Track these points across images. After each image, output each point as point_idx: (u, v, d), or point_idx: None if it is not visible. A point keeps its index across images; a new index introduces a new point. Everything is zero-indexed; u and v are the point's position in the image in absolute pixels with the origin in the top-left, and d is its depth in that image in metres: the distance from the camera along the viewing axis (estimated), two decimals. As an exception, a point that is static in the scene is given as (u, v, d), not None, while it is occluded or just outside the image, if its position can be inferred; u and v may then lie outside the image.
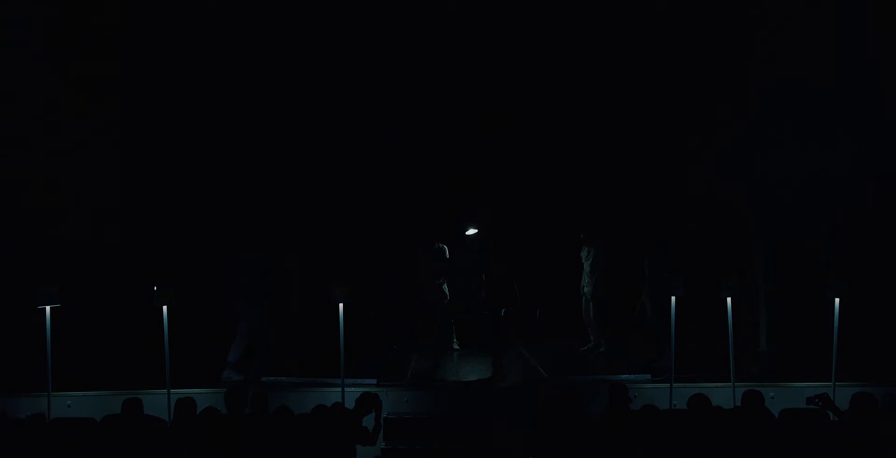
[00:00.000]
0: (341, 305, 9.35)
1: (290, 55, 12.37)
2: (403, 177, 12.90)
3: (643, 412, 7.78)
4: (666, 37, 12.11)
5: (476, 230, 12.20)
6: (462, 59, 12.53)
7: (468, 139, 12.78)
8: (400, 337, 12.25)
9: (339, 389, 9.28)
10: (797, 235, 11.40)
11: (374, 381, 9.83)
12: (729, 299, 9.45)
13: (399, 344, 12.17)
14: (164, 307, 9.27)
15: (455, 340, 12.28)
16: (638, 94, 12.42)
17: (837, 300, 9.21)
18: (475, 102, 12.64)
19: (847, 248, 11.24)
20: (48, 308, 8.96)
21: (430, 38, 12.49)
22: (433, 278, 11.63)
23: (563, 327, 12.32)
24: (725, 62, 11.78)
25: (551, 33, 12.46)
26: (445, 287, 11.76)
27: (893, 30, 10.90)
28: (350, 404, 8.15)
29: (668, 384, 9.43)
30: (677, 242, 11.62)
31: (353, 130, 12.73)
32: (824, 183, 11.34)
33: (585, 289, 11.74)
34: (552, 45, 12.51)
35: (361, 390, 8.85)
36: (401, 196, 12.90)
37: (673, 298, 9.42)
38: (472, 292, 11.09)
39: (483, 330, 11.22)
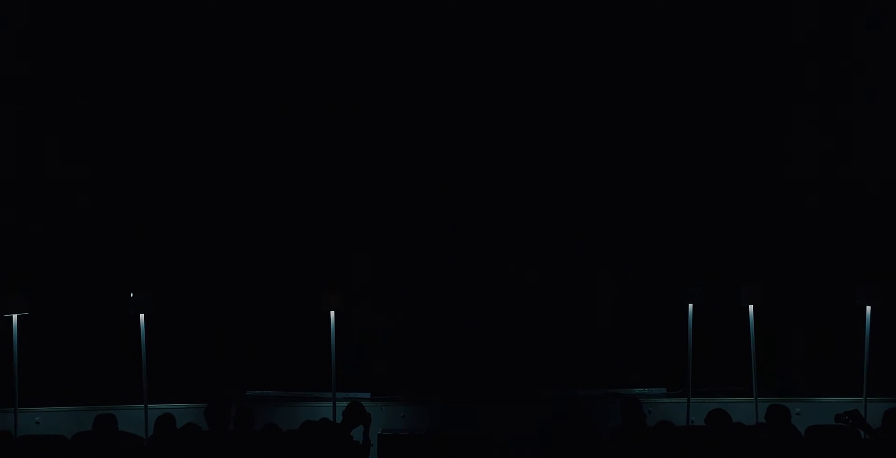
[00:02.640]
0: (332, 313, 9.32)
1: (285, 55, 12.44)
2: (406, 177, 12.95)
3: (658, 429, 7.74)
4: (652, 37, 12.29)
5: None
6: (467, 63, 12.65)
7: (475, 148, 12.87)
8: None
9: (331, 403, 9.25)
10: (827, 238, 11.40)
11: (367, 395, 9.80)
12: (751, 308, 9.42)
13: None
14: (141, 315, 9.23)
15: None
16: (646, 92, 12.50)
17: (869, 309, 9.17)
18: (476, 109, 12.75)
19: (879, 252, 11.22)
20: (15, 317, 8.92)
21: (433, 40, 12.55)
22: None
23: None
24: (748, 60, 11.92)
25: (549, 37, 12.60)
26: None
27: None
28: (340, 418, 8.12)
29: (686, 399, 9.40)
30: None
31: (350, 132, 12.79)
32: (854, 182, 11.36)
33: None
34: (543, 44, 12.64)
35: (354, 404, 8.81)
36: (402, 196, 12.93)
37: (690, 305, 9.40)
38: None
39: None
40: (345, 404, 9.03)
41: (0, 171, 11.36)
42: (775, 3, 11.74)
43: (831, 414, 7.75)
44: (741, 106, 12.03)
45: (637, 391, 9.93)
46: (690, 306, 9.45)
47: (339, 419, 8.25)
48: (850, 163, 11.35)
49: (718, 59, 12.06)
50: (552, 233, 12.18)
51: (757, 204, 12.01)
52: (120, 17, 11.98)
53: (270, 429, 7.80)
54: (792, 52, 11.69)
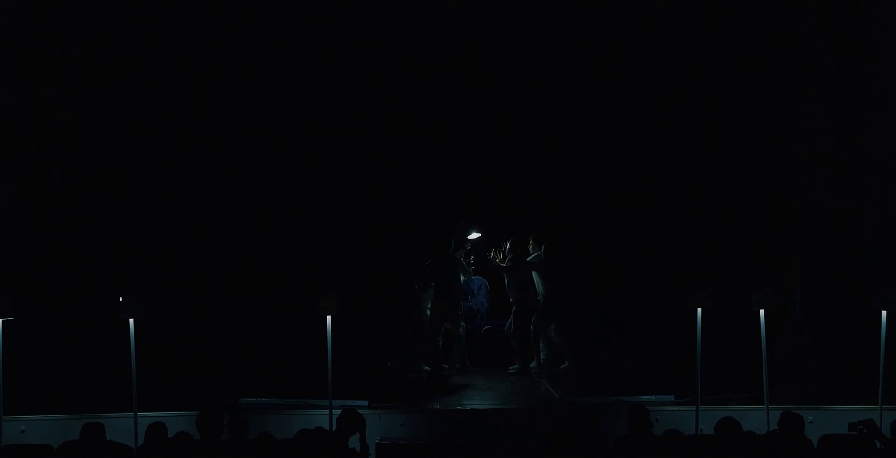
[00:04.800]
0: (329, 317, 9.33)
1: (284, 55, 12.53)
2: (402, 179, 13.03)
3: (666, 438, 7.73)
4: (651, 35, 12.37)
5: (479, 234, 12.22)
6: (466, 61, 12.74)
7: (472, 141, 12.96)
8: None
9: (327, 411, 9.25)
10: (840, 240, 11.42)
11: (365, 403, 9.80)
12: (762, 312, 9.42)
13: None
14: (131, 320, 9.24)
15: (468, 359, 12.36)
16: (642, 92, 12.59)
17: (885, 313, 9.17)
18: (477, 104, 12.84)
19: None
20: (-1, 321, 8.94)
21: (434, 39, 12.65)
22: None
23: (579, 341, 12.29)
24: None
25: (549, 34, 12.69)
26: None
27: None
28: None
29: (695, 407, 9.40)
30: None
31: (348, 131, 12.87)
32: (868, 181, 11.40)
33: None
34: (552, 45, 12.74)
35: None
36: (399, 198, 13.01)
37: (699, 310, 9.40)
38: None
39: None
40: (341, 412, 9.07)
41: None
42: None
43: (845, 423, 7.75)
44: (752, 107, 12.08)
45: (644, 398, 9.94)
46: (700, 310, 9.44)
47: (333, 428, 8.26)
48: (859, 163, 11.40)
49: (728, 60, 12.11)
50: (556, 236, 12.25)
51: (766, 206, 12.05)
52: (113, 13, 12.07)
53: (264, 438, 7.80)
54: (803, 53, 11.73)
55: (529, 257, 11.89)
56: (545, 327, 11.80)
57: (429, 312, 11.79)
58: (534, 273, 11.87)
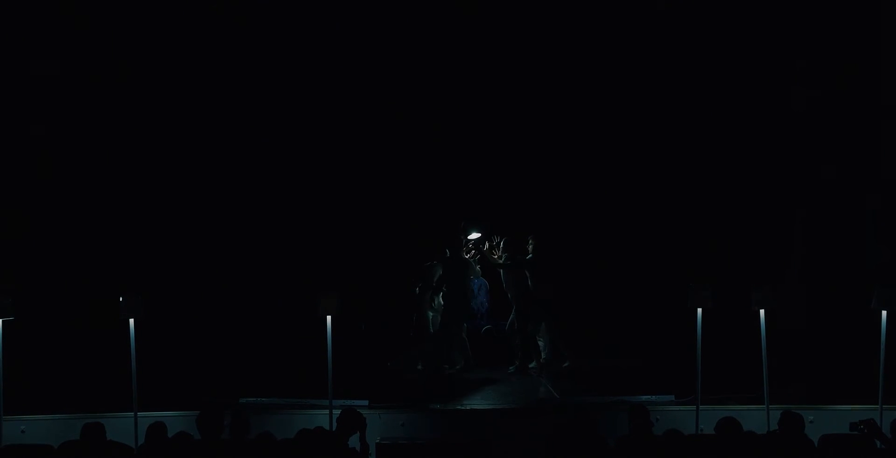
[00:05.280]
0: (329, 317, 9.33)
1: (287, 57, 12.55)
2: (403, 179, 13.04)
3: (666, 438, 7.74)
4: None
5: (480, 234, 12.22)
6: (467, 60, 12.78)
7: (473, 141, 12.98)
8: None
9: (327, 411, 9.26)
10: (840, 240, 11.43)
11: (365, 402, 9.81)
12: (762, 312, 9.42)
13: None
14: (131, 320, 9.24)
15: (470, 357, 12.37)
16: (643, 91, 12.61)
17: (885, 313, 9.17)
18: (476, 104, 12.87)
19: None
20: (0, 321, 8.93)
21: (436, 40, 12.67)
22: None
23: (579, 342, 12.29)
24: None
25: (548, 32, 12.72)
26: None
27: None
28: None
29: (695, 407, 9.40)
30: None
31: (349, 131, 12.88)
32: (869, 182, 11.41)
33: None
34: (551, 46, 12.76)
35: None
36: (399, 198, 13.02)
37: (699, 310, 9.40)
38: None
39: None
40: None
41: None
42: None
43: (845, 423, 7.75)
44: (752, 106, 12.10)
45: (644, 398, 9.94)
46: (700, 310, 9.43)
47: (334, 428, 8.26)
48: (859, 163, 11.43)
49: (728, 60, 12.12)
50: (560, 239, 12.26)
51: (766, 206, 12.07)
52: (117, 13, 12.09)
53: (265, 437, 7.80)
54: (803, 54, 11.74)
55: (528, 256, 11.91)
56: (535, 325, 11.79)
57: (431, 313, 11.81)
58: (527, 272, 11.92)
